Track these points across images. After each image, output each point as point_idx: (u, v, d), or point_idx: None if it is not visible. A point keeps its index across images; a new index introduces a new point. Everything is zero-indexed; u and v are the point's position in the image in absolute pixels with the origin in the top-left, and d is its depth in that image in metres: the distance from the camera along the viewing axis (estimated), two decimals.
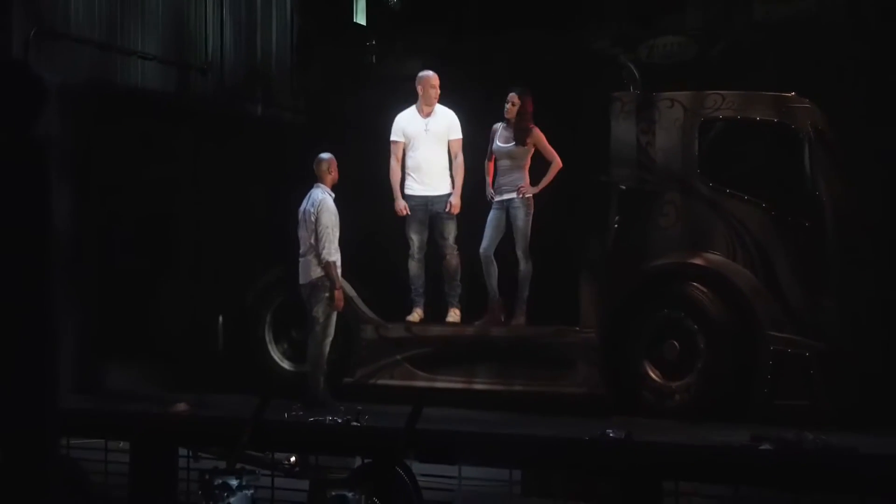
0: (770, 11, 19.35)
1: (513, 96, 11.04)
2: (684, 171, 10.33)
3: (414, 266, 11.35)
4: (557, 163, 10.97)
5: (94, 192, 11.62)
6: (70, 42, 11.46)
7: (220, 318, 12.76)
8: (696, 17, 18.84)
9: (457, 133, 11.46)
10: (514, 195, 10.95)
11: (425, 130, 11.38)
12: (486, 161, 11.38)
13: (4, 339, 3.42)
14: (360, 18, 15.97)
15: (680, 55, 19.05)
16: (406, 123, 11.47)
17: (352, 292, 11.22)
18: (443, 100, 11.55)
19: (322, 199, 10.54)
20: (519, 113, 11.00)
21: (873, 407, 9.44)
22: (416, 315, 11.23)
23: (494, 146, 11.28)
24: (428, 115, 11.44)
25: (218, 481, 4.48)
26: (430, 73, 11.52)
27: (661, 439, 6.73)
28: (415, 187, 11.38)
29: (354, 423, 6.57)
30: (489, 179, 11.28)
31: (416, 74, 16.65)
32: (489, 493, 5.26)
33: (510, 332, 10.86)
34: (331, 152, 10.76)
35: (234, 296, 12.53)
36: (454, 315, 11.22)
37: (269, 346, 11.53)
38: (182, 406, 8.84)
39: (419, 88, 11.46)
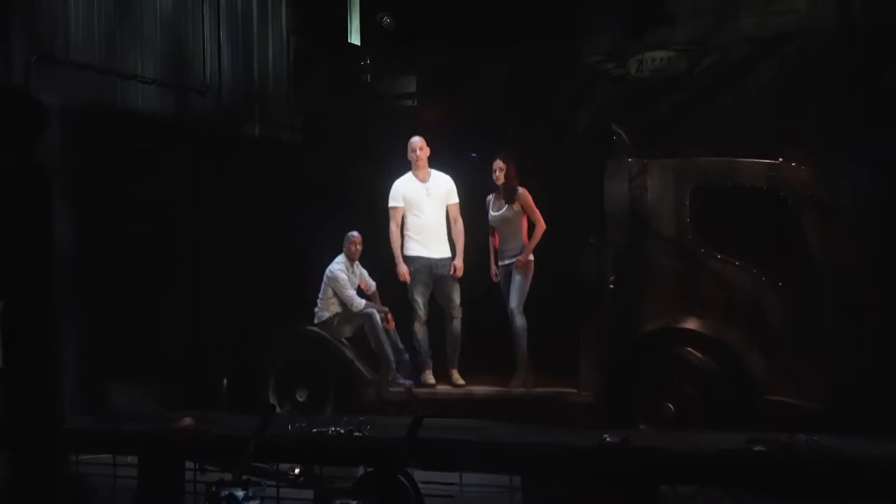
0: (760, 24, 19.48)
1: (498, 162, 11.22)
2: (677, 236, 10.43)
3: (420, 329, 11.43)
4: (541, 225, 11.16)
5: (96, 213, 11.66)
6: (70, 66, 11.52)
7: (225, 381, 12.65)
8: (687, 31, 18.95)
9: (455, 198, 11.63)
10: (514, 259, 11.11)
11: (427, 195, 11.47)
12: (490, 236, 11.61)
13: (10, 356, 3.48)
14: (355, 38, 16.05)
15: (670, 69, 19.22)
16: (406, 189, 11.51)
17: (352, 354, 11.36)
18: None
19: (331, 270, 11.70)
20: (507, 176, 11.18)
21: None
22: (428, 377, 11.33)
23: (490, 217, 11.48)
24: (425, 179, 11.53)
25: (224, 493, 4.53)
26: (415, 138, 11.61)
27: (657, 444, 6.78)
28: (419, 250, 11.42)
29: (357, 434, 6.62)
30: (492, 257, 11.54)
31: (410, 92, 16.80)
32: (490, 499, 5.31)
33: (509, 394, 10.94)
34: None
35: (236, 341, 12.60)
36: (455, 377, 11.33)
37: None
38: (188, 420, 8.87)
39: (410, 155, 11.53)
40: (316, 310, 11.76)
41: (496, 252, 11.52)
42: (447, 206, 11.55)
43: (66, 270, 10.20)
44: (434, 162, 11.70)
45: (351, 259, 11.78)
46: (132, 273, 12.26)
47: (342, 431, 6.51)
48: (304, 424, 6.89)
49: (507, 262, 11.27)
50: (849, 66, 18.24)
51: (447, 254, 11.49)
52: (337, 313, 11.64)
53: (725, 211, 10.51)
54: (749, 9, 19.19)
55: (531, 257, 11.15)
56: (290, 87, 15.11)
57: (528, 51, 19.54)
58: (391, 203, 11.49)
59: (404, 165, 11.70)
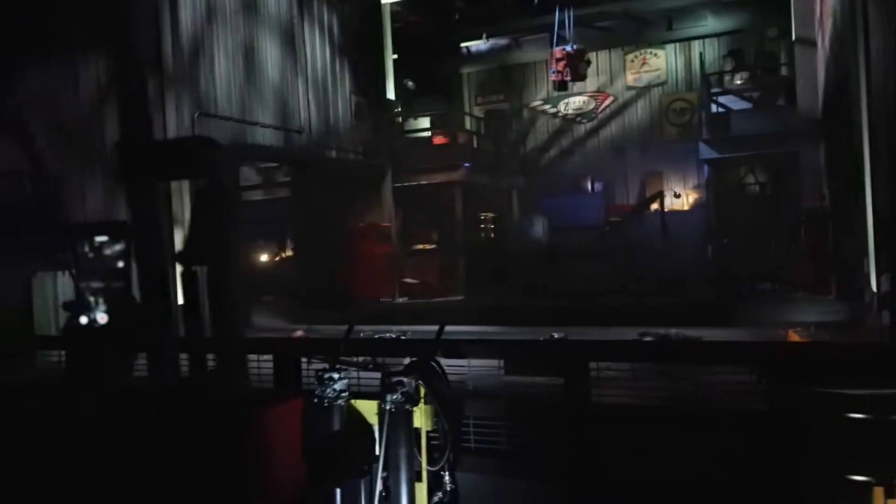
0: (636, 78, 19.29)
1: None
2: None
3: None
4: None
5: (237, 211, 11.61)
6: (218, 118, 11.46)
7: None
8: (593, 84, 18.81)
9: None
10: None
11: None
12: None
13: (212, 300, 3.42)
14: (391, 95, 15.97)
15: (584, 108, 19.03)
16: None
17: None
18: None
19: None
20: None
21: None
22: None
23: None
24: None
25: (326, 375, 4.52)
26: None
27: (585, 337, 6.74)
28: None
29: (403, 338, 6.59)
30: None
31: (426, 127, 16.68)
32: (486, 374, 5.30)
33: None
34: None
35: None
36: None
37: None
38: (300, 332, 8.87)
39: None
40: None
41: None
42: None
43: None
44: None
45: None
46: (261, 243, 12.27)
47: (395, 336, 6.53)
48: (372, 332, 6.86)
49: None
50: (690, 104, 18.10)
51: None
52: None
53: None
54: (630, 69, 19.01)
55: None
56: (353, 127, 15.01)
57: (497, 99, 19.37)
58: None
59: None
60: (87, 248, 2.67)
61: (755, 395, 4.09)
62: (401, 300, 12.73)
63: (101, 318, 2.56)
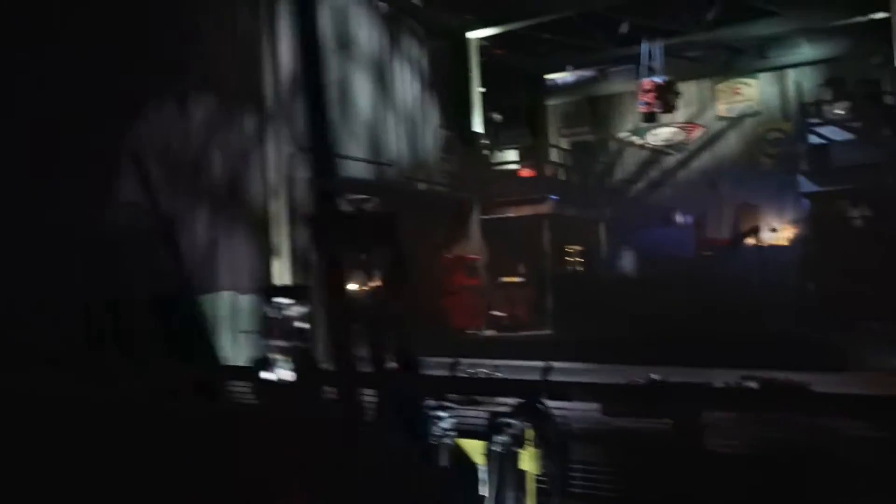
0: (728, 109, 18.96)
1: None
2: None
3: None
4: None
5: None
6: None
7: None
8: (682, 115, 18.57)
9: None
10: None
11: None
12: None
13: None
14: (478, 128, 16.21)
15: (673, 139, 18.81)
16: None
17: None
18: None
19: None
20: None
21: None
22: None
23: None
24: None
25: (434, 413, 4.61)
26: None
27: (682, 378, 6.58)
28: None
29: (499, 375, 6.62)
30: None
31: (513, 160, 16.83)
32: (585, 416, 5.29)
33: None
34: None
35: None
36: None
37: None
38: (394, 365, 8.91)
39: None
40: None
41: None
42: None
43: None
44: None
45: None
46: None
47: (489, 374, 6.61)
48: (477, 372, 6.91)
49: None
50: (785, 134, 17.62)
51: None
52: None
53: None
54: (721, 99, 18.70)
55: None
56: (441, 159, 15.28)
57: (581, 132, 19.35)
58: None
59: None
60: (271, 309, 2.91)
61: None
62: (488, 333, 12.77)
63: (287, 375, 2.77)
